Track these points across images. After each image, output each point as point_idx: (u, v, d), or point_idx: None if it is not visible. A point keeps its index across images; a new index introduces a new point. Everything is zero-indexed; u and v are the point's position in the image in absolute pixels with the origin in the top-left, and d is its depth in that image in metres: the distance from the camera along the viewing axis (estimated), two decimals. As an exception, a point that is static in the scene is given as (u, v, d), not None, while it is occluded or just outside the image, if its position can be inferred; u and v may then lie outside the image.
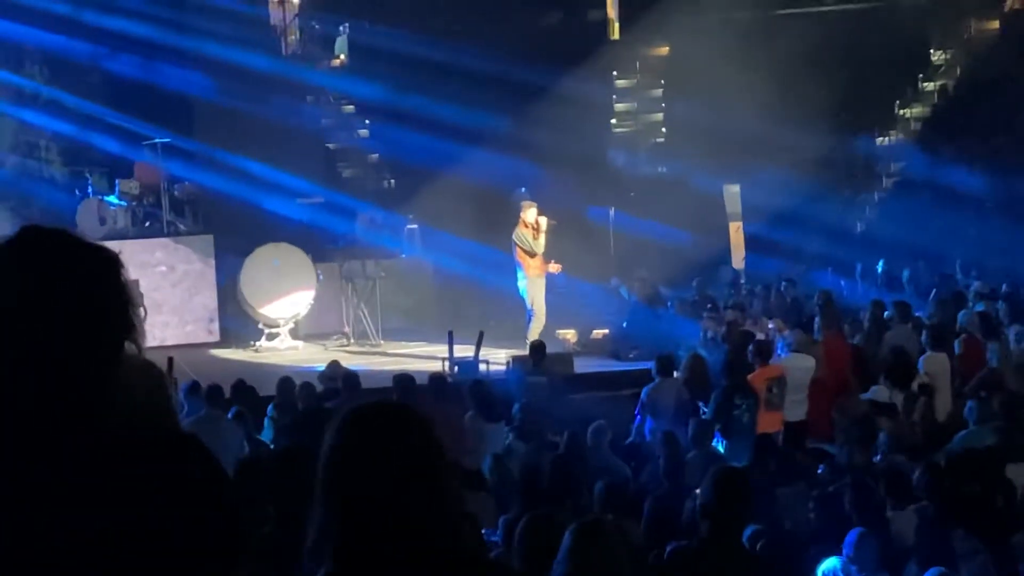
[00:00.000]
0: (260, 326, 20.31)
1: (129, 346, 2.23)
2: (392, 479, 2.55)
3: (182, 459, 2.21)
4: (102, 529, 2.11)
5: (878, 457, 10.19)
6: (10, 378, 2.16)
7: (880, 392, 12.75)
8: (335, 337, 20.56)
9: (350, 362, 15.67)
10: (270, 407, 12.00)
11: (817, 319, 15.23)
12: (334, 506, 2.58)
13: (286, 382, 13.09)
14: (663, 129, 30.28)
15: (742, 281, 22.22)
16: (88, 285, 2.20)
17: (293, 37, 28.65)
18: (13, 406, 2.16)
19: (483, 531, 8.17)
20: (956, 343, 13.96)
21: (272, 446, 11.15)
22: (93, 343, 2.19)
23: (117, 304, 2.22)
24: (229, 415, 11.69)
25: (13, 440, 2.15)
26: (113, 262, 2.25)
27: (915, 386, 12.71)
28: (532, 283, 17.73)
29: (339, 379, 13.42)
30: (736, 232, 26.70)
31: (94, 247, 2.26)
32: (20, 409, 2.15)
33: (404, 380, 12.86)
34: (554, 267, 17.87)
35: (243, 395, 12.94)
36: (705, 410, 12.44)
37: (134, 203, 20.63)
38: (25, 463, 2.15)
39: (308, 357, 18.82)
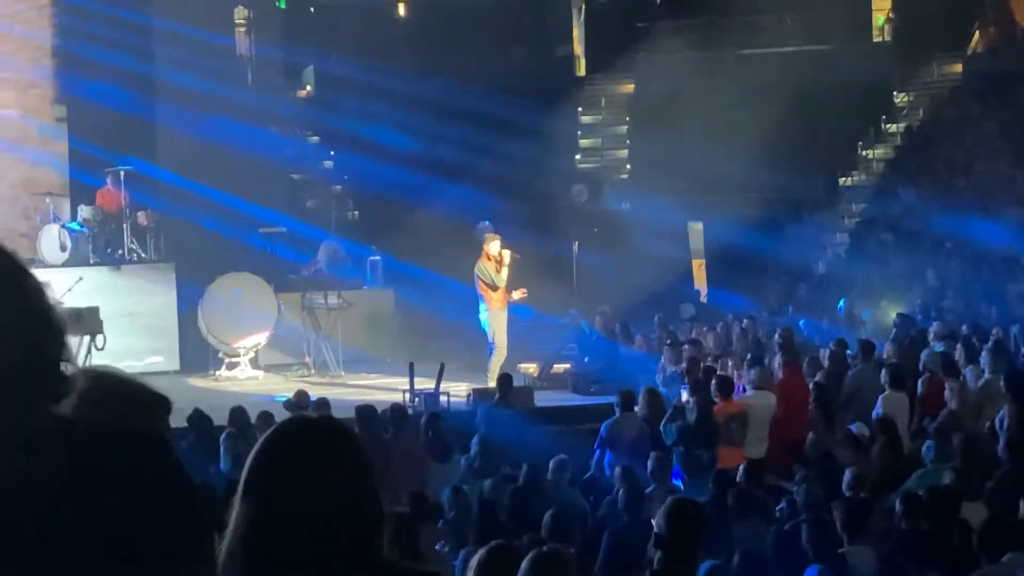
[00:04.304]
0: (220, 355, 20.21)
1: (65, 365, 2.22)
2: (311, 485, 2.57)
3: (146, 452, 2.22)
4: (68, 519, 2.11)
5: (842, 493, 10.20)
6: None
7: (859, 427, 12.77)
8: (296, 367, 20.46)
9: (311, 392, 15.58)
10: (223, 436, 11.92)
11: (777, 357, 15.26)
12: (251, 509, 2.59)
13: (239, 411, 12.99)
14: (628, 165, 30.40)
15: (702, 318, 22.26)
16: (26, 299, 2.19)
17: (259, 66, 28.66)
18: None
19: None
20: (919, 382, 14.02)
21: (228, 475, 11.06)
22: (32, 354, 2.17)
23: (52, 323, 2.22)
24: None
25: None
26: (40, 284, 2.25)
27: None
28: (494, 316, 17.68)
29: (307, 408, 13.29)
30: (699, 269, 26.81)
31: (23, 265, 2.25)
32: None
33: (366, 410, 12.81)
34: (519, 294, 17.80)
35: (200, 424, 12.84)
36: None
37: (95, 230, 20.49)
38: None
39: (268, 387, 18.72)
